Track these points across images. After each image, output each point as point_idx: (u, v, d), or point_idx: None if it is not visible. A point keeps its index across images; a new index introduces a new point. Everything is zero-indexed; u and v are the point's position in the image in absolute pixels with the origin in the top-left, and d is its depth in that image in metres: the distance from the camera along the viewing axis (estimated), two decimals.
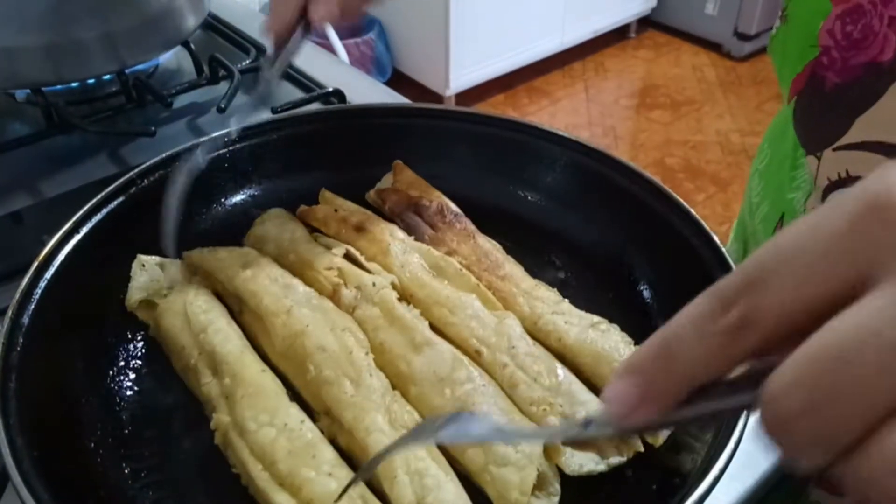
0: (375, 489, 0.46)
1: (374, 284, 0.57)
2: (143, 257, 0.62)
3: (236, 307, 0.60)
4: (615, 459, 0.49)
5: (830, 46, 0.58)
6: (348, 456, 0.49)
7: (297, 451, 0.47)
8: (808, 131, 0.63)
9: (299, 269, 0.61)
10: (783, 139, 0.73)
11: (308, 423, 0.49)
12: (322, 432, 0.50)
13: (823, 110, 0.60)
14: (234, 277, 0.58)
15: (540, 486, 0.46)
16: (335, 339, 0.52)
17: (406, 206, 0.68)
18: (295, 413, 0.49)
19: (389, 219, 0.68)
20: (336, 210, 0.66)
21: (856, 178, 0.58)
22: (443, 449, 0.49)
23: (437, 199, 0.68)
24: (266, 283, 0.57)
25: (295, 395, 0.53)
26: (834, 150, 0.59)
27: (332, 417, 0.50)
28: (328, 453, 0.47)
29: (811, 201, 0.65)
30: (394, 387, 0.52)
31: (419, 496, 0.44)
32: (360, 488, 0.46)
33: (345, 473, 0.46)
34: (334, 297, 0.58)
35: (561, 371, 0.52)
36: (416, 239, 0.65)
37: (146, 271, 0.61)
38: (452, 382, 0.50)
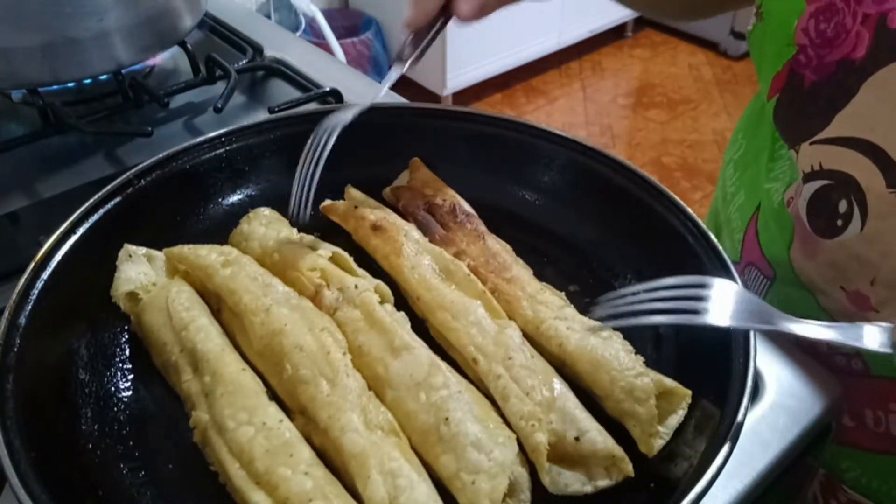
0: (349, 488, 0.46)
1: (356, 287, 0.57)
2: (129, 247, 0.61)
3: (215, 305, 0.60)
4: (603, 482, 0.48)
5: (806, 44, 0.59)
6: (322, 455, 0.49)
7: (275, 449, 0.47)
8: (789, 127, 0.64)
9: (282, 269, 0.60)
10: (758, 130, 0.74)
11: (286, 422, 0.49)
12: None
13: (803, 107, 0.61)
14: (214, 275, 0.58)
15: (511, 493, 0.46)
16: (313, 338, 0.52)
17: (419, 204, 0.68)
18: (273, 412, 0.49)
19: (408, 217, 0.68)
20: (356, 207, 0.66)
21: (828, 171, 0.59)
22: (416, 453, 0.49)
23: (451, 199, 0.68)
24: (246, 281, 0.57)
25: (273, 395, 0.53)
26: (811, 143, 0.60)
27: (307, 417, 0.50)
28: (305, 452, 0.47)
29: (790, 191, 0.66)
30: (370, 389, 0.52)
31: (392, 496, 0.44)
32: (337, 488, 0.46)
33: (321, 473, 0.46)
34: (316, 298, 0.57)
35: (558, 385, 0.52)
36: (428, 238, 0.65)
37: (132, 262, 0.61)
38: (428, 387, 0.50)
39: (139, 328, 0.58)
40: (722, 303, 0.48)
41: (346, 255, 0.62)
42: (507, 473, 0.45)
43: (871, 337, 0.44)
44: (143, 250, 0.62)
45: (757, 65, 0.68)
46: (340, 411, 0.48)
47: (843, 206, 0.59)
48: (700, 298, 0.48)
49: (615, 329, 0.55)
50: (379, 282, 0.59)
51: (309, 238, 0.65)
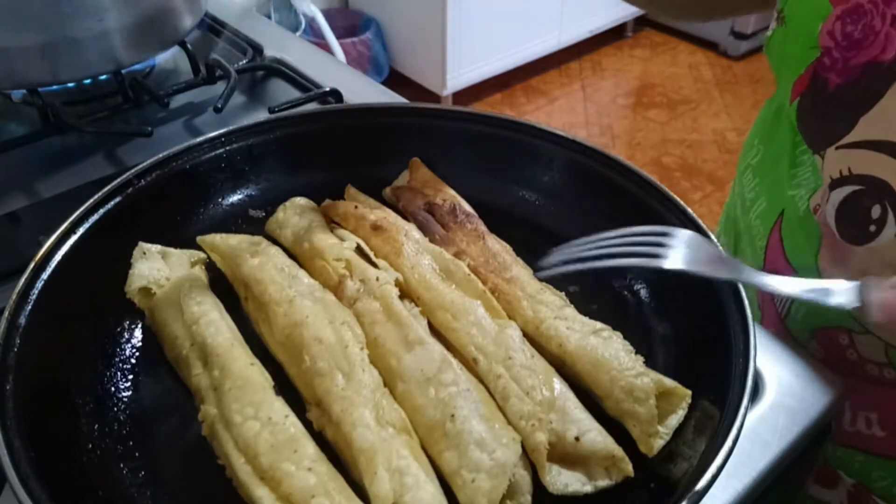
0: (358, 483, 0.47)
1: (377, 279, 0.58)
2: (144, 245, 0.62)
3: (243, 293, 0.61)
4: (603, 482, 0.48)
5: (831, 47, 0.58)
6: (332, 449, 0.49)
7: (280, 445, 0.47)
8: (813, 131, 0.62)
9: (310, 258, 0.62)
10: (775, 135, 0.73)
11: (292, 417, 0.49)
12: (311, 424, 0.50)
13: (827, 111, 0.60)
14: (243, 264, 0.60)
15: (510, 495, 0.46)
16: (333, 332, 0.53)
17: (419, 204, 0.68)
18: (279, 407, 0.50)
19: (408, 217, 0.68)
20: (356, 207, 0.67)
21: (858, 176, 0.58)
22: (422, 448, 0.49)
23: (451, 199, 0.68)
24: (272, 272, 0.58)
25: (286, 387, 0.53)
26: (836, 148, 0.59)
27: (322, 409, 0.50)
28: (310, 448, 0.47)
29: (816, 197, 0.64)
30: (383, 382, 0.53)
31: (397, 494, 0.44)
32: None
33: (325, 469, 0.46)
34: (339, 287, 0.58)
35: (558, 385, 0.52)
36: (428, 238, 0.65)
37: (146, 259, 0.62)
38: (438, 383, 0.50)
39: (153, 323, 0.59)
40: (682, 250, 0.46)
41: (366, 247, 0.63)
42: (507, 474, 0.45)
43: (840, 294, 0.44)
44: (157, 247, 0.63)
45: (776, 70, 0.67)
46: (353, 406, 0.48)
47: (876, 212, 0.58)
48: (660, 245, 0.47)
49: (569, 274, 0.54)
50: (399, 274, 0.59)
51: (339, 229, 0.66)
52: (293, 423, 0.49)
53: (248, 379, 0.51)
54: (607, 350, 0.53)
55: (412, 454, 0.47)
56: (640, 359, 0.53)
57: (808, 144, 0.64)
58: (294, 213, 0.67)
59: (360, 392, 0.49)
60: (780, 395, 0.58)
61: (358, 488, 0.46)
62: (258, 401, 0.50)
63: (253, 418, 0.48)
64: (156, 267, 0.61)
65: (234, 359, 0.53)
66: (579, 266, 0.47)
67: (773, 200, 0.73)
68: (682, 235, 0.47)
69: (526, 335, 0.56)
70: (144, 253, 0.62)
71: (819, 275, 0.65)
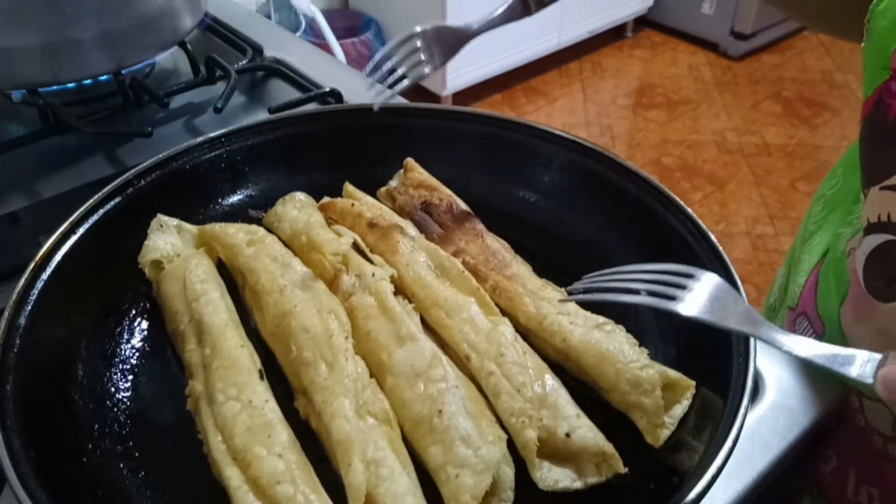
0: (338, 474, 0.47)
1: (373, 275, 0.58)
2: (162, 217, 0.63)
3: (240, 282, 0.62)
4: (593, 479, 0.48)
5: None
6: (316, 438, 0.50)
7: (255, 428, 0.48)
8: (865, 164, 0.56)
9: (307, 251, 0.62)
10: (856, 168, 0.63)
11: (272, 403, 0.50)
12: (298, 413, 0.51)
13: (882, 142, 0.53)
14: (239, 254, 0.60)
15: (493, 491, 0.46)
16: (319, 321, 0.53)
17: (415, 204, 0.68)
18: (262, 392, 0.51)
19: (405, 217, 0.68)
20: (353, 205, 0.67)
21: (895, 224, 0.51)
22: (406, 442, 0.49)
23: (447, 198, 0.68)
24: (266, 261, 0.59)
25: (279, 376, 0.54)
26: (881, 188, 0.53)
27: (308, 398, 0.51)
28: (283, 435, 0.48)
29: (854, 240, 0.58)
30: (372, 375, 0.53)
31: (372, 485, 0.45)
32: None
33: (295, 457, 0.47)
34: (334, 281, 0.59)
35: (550, 381, 0.52)
36: (426, 237, 0.65)
37: (163, 232, 0.63)
38: (427, 379, 0.51)
39: (158, 295, 0.60)
40: (702, 296, 0.44)
41: (362, 243, 0.63)
42: (491, 471, 0.45)
43: (858, 366, 0.39)
44: (174, 221, 0.64)
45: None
46: (333, 396, 0.49)
47: None
48: (681, 287, 0.45)
49: (583, 304, 0.53)
50: (393, 271, 0.60)
51: (337, 225, 0.66)
52: (272, 409, 0.49)
53: (235, 360, 0.52)
54: (611, 343, 0.53)
55: (391, 446, 0.48)
56: (645, 351, 0.53)
57: (861, 177, 0.57)
58: (293, 207, 0.67)
59: (342, 382, 0.50)
60: (780, 395, 0.58)
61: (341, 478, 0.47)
62: (242, 383, 0.50)
63: (235, 399, 0.49)
64: (170, 241, 0.63)
65: (225, 339, 0.53)
66: (600, 297, 0.47)
67: (825, 237, 0.66)
68: (708, 281, 0.45)
69: (529, 331, 0.57)
70: (161, 225, 0.63)
71: (839, 328, 0.60)
